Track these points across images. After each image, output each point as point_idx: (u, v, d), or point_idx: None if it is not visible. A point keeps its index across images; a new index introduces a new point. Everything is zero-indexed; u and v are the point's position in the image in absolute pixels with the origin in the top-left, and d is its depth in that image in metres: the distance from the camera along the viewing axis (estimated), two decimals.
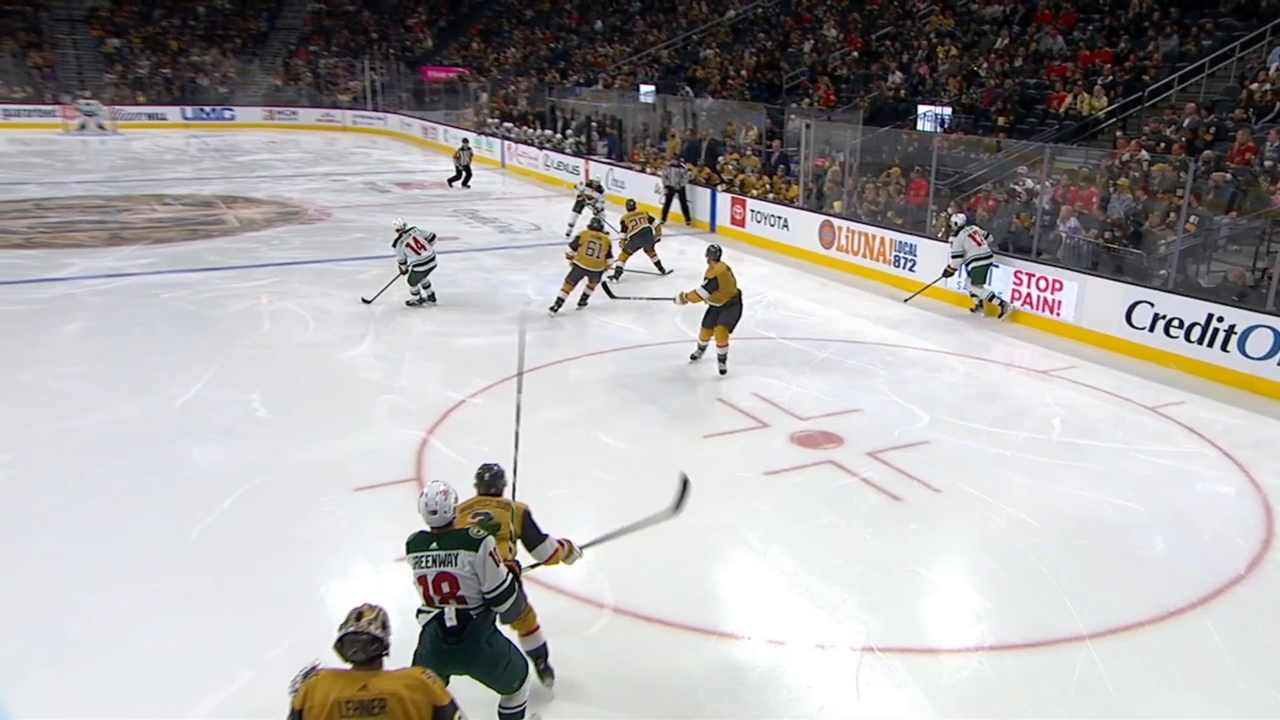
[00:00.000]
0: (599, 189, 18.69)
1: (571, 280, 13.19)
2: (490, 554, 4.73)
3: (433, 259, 13.78)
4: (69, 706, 5.46)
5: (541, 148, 27.51)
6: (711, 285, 10.84)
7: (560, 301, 13.34)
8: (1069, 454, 9.15)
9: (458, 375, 10.87)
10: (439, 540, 4.75)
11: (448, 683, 4.23)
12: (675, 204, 20.40)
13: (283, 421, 9.76)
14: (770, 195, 19.11)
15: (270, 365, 11.46)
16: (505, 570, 4.85)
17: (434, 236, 14.10)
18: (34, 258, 16.60)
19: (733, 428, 9.61)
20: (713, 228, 19.73)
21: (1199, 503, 8.34)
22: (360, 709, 3.62)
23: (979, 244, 13.47)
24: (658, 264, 16.38)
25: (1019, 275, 13.55)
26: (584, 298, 13.71)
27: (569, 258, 13.21)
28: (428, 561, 4.72)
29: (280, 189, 24.06)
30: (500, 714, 5.02)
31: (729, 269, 11.02)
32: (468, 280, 15.57)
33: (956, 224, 13.63)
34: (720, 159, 21.51)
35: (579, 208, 18.53)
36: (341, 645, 3.72)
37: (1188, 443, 9.48)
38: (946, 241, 13.94)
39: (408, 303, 13.89)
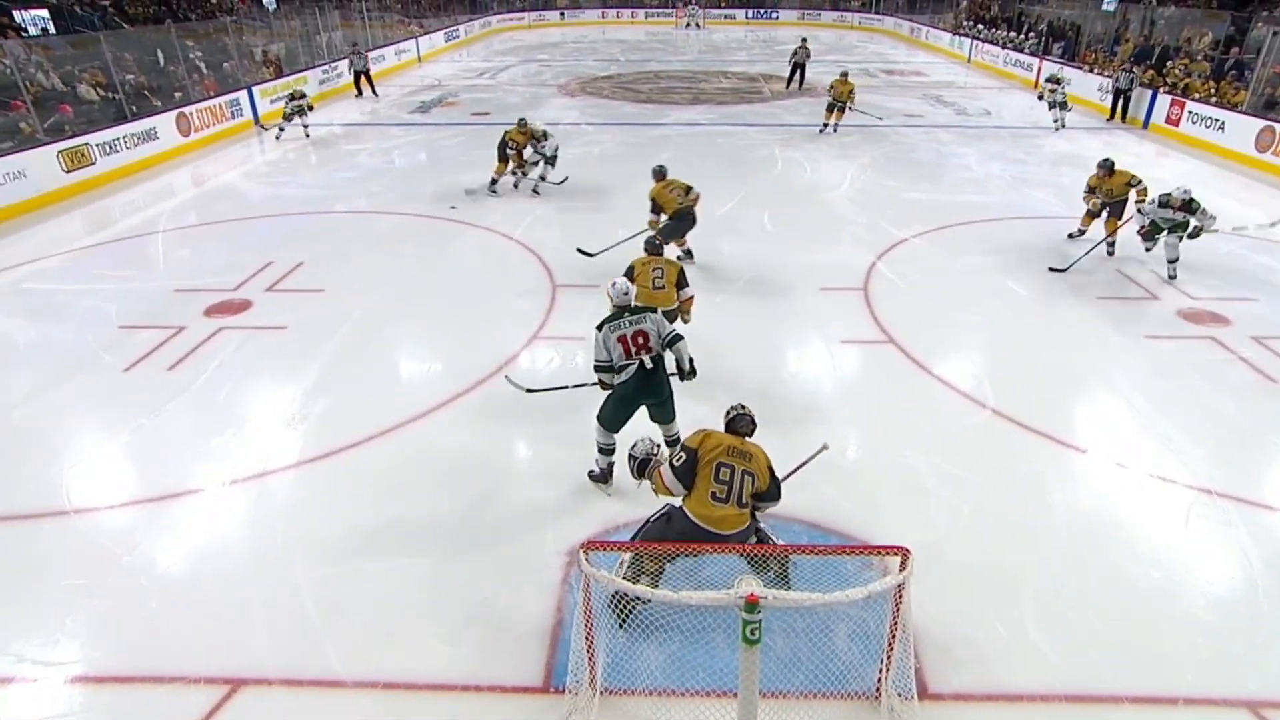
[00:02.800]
0: (1057, 81, 15.94)
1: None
2: (661, 317, 4.99)
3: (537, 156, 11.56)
4: None
5: (1004, 47, 23.84)
6: (653, 206, 8.32)
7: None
8: None
9: (904, 219, 10.22)
10: (629, 311, 4.91)
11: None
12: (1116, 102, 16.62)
13: (781, 234, 9.86)
14: (1213, 99, 14.85)
15: (777, 195, 11.51)
16: (672, 327, 5.04)
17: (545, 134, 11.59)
18: (649, 109, 17.82)
19: (1126, 295, 8.10)
20: (1145, 125, 16.12)
21: None
22: (740, 454, 3.84)
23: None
24: None
25: None
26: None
27: None
28: (625, 325, 4.86)
29: None
30: (666, 441, 5.19)
31: (665, 187, 8.31)
32: (923, 150, 14.28)
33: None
34: (1169, 63, 17.01)
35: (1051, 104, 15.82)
36: (734, 421, 4.00)
37: None
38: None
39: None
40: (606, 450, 5.07)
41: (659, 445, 4.26)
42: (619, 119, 16.69)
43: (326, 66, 19.81)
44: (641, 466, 4.18)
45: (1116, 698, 3.68)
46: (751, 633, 2.85)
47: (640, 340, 4.86)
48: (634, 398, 4.96)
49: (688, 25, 36.38)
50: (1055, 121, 15.74)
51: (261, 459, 5.46)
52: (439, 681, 3.76)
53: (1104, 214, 9.02)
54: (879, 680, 3.58)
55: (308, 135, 15.17)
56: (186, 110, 14.32)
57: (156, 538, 4.77)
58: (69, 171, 11.59)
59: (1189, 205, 8.08)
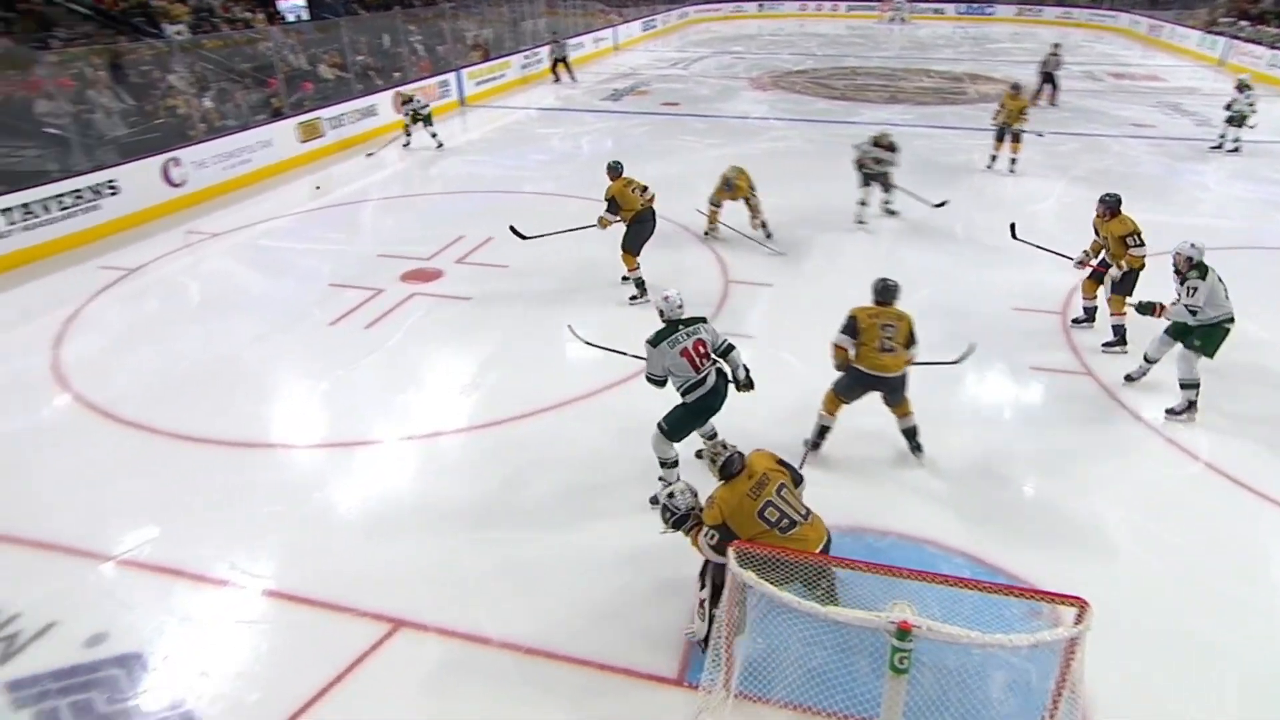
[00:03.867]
0: (1246, 88, 12.80)
1: None
2: (711, 325, 4.88)
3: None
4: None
5: (1273, 46, 20.75)
6: (611, 205, 7.54)
7: None
8: None
9: None
10: (682, 324, 4.78)
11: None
12: None
13: (973, 246, 9.28)
14: None
15: (973, 203, 10.81)
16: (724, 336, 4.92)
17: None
18: (841, 106, 17.33)
19: None
20: None
21: None
22: (759, 486, 3.67)
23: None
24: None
25: None
26: None
27: None
28: (683, 337, 4.73)
29: (1014, 71, 21.70)
30: (703, 436, 5.00)
31: (626, 185, 7.55)
32: (1150, 164, 12.87)
33: None
34: None
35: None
36: (728, 466, 3.73)
37: None
38: None
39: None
40: (670, 464, 4.90)
41: (698, 497, 3.91)
42: (809, 115, 16.36)
43: (529, 52, 20.82)
44: (679, 521, 3.85)
45: None
46: (900, 661, 2.73)
47: (700, 349, 4.77)
48: (709, 410, 4.85)
49: (891, 20, 34.85)
50: (1222, 139, 13.14)
51: (436, 420, 5.88)
52: (577, 655, 3.89)
53: (1106, 281, 6.82)
54: None
55: (439, 143, 13.75)
56: (404, 89, 15.57)
57: (341, 480, 5.27)
58: (303, 142, 12.98)
59: (1189, 273, 5.62)
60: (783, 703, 3.57)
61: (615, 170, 7.74)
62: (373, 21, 17.77)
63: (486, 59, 19.19)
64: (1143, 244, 6.53)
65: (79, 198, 9.49)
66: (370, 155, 13.08)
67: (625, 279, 7.89)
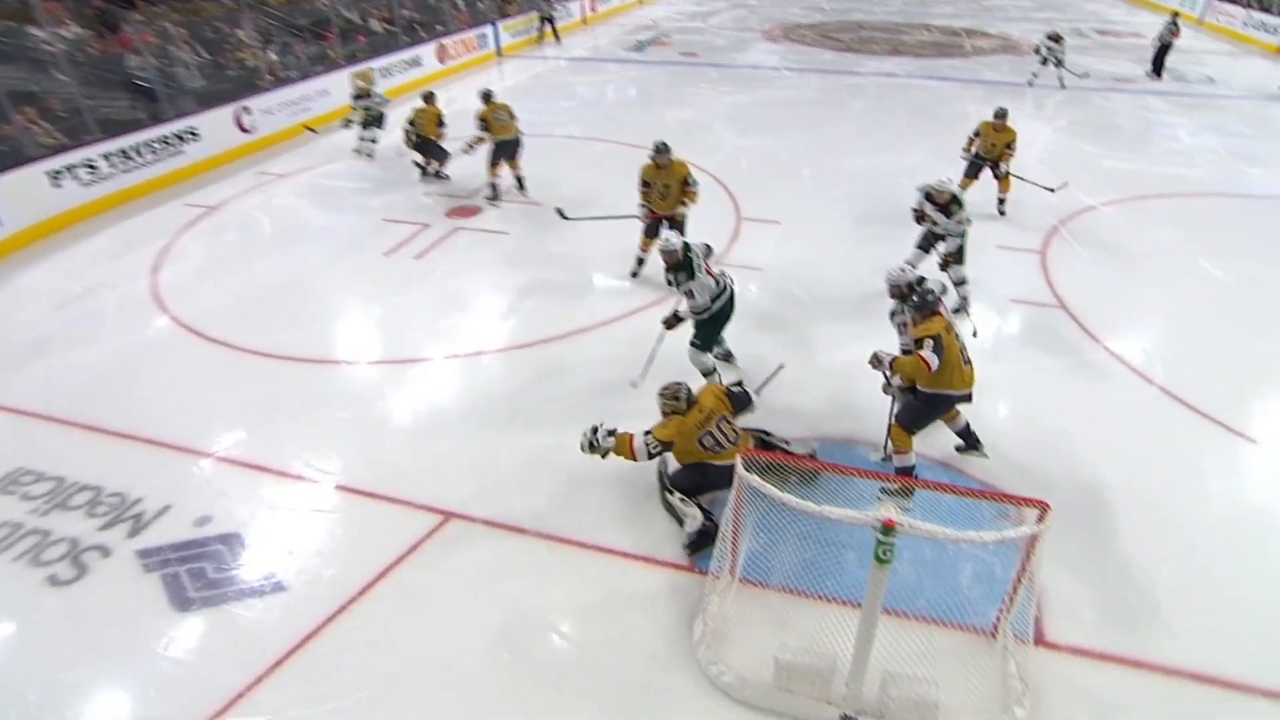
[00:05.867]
0: (1057, 39, 13.44)
1: None
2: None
3: None
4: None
5: (1247, 5, 19.42)
6: (481, 126, 8.22)
7: None
8: None
9: (1096, 187, 8.89)
10: (689, 249, 4.82)
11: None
12: None
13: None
14: None
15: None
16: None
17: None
18: (847, 58, 16.52)
19: None
20: None
21: None
22: (705, 419, 3.91)
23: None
24: None
25: None
26: None
27: None
28: (700, 260, 4.80)
29: (1008, 28, 20.57)
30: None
31: (491, 110, 8.21)
32: (1128, 117, 12.21)
33: None
34: None
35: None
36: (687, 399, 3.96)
37: None
38: None
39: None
40: (709, 373, 5.00)
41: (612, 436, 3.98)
42: (817, 66, 15.64)
43: (559, 5, 19.88)
44: (598, 452, 3.93)
45: (1249, 687, 3.25)
46: (884, 553, 2.76)
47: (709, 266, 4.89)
48: (728, 314, 4.95)
49: None
50: (1032, 77, 13.78)
51: (478, 341, 5.88)
52: (602, 544, 3.99)
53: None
54: (997, 620, 3.38)
55: (370, 154, 10.24)
56: (445, 41, 15.04)
57: (396, 392, 5.33)
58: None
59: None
60: (780, 587, 3.64)
61: (485, 97, 8.27)
62: None
63: (520, 11, 18.38)
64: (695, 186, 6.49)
65: (166, 143, 9.38)
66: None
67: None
